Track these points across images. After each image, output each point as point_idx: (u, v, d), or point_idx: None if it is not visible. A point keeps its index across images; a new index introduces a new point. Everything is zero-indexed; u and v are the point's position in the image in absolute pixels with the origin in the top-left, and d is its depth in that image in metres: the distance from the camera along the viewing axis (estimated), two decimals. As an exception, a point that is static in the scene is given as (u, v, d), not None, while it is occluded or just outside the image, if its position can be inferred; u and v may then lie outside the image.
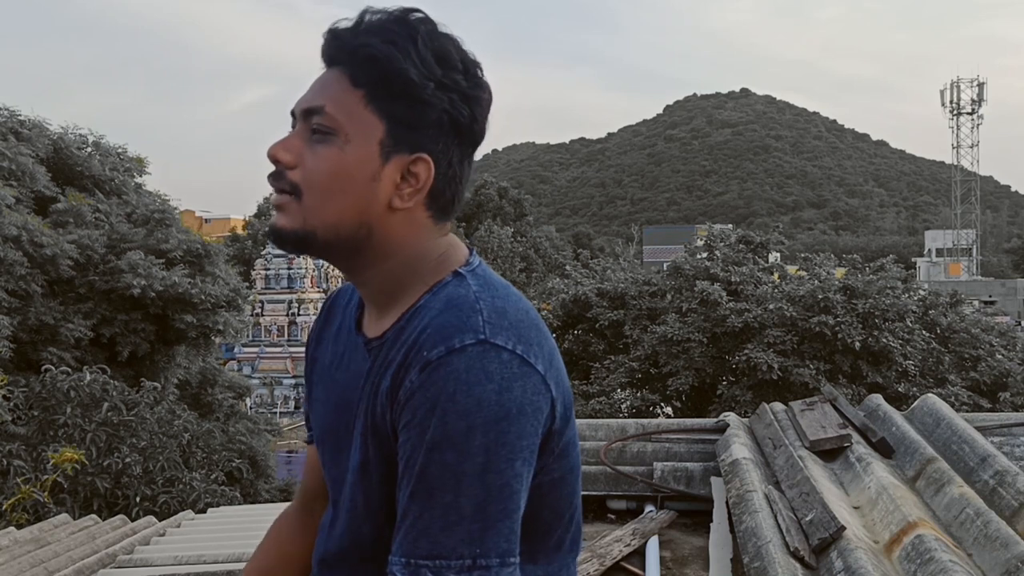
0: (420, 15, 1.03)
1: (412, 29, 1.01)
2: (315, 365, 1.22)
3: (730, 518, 2.82)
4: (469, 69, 1.04)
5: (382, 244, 1.05)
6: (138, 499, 8.60)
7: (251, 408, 23.40)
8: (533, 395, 0.96)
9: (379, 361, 1.05)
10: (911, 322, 14.68)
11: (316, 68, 1.09)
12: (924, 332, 14.88)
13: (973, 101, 69.52)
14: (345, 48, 1.03)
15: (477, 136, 1.07)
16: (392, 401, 1.00)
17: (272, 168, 1.05)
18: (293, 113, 1.06)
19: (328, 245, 1.04)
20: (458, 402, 0.92)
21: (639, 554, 2.96)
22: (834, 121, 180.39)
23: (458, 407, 0.92)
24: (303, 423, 1.30)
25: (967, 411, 10.88)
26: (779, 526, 2.41)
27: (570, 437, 1.06)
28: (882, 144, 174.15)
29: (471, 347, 0.94)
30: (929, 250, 68.35)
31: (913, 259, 59.30)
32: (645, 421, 4.06)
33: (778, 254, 18.88)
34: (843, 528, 2.25)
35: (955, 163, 70.20)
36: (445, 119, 1.02)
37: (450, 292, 1.02)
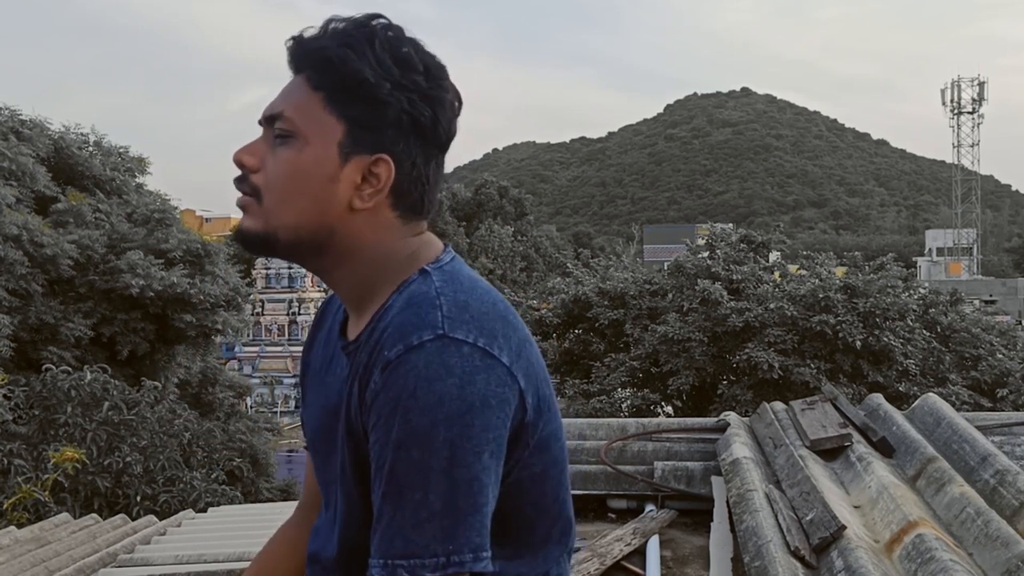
0: (383, 21, 1.04)
1: (371, 32, 1.03)
2: (308, 370, 1.22)
3: (731, 517, 2.82)
4: (431, 71, 1.04)
5: (345, 244, 1.05)
6: (139, 498, 8.60)
7: (251, 407, 23.41)
8: (497, 387, 0.96)
9: (354, 365, 1.05)
10: (912, 321, 14.67)
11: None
12: (925, 331, 14.88)
13: (974, 100, 69.40)
14: (305, 53, 1.04)
15: (442, 137, 1.07)
16: (361, 403, 1.00)
17: (238, 172, 1.06)
18: (260, 122, 1.07)
19: (291, 246, 1.06)
20: (419, 399, 0.92)
21: (640, 553, 2.96)
22: (835, 120, 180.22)
23: (419, 404, 0.92)
24: (303, 424, 1.31)
25: (968, 410, 10.87)
26: (780, 525, 2.41)
27: (550, 431, 1.05)
28: (883, 143, 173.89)
29: (429, 343, 0.95)
30: (930, 249, 68.29)
31: (914, 258, 59.25)
32: (645, 420, 4.06)
33: (779, 253, 18.87)
34: (843, 527, 2.25)
35: (956, 162, 70.12)
36: (405, 119, 1.03)
37: (412, 290, 1.03)
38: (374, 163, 1.03)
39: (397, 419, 0.93)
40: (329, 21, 1.05)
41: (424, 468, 0.92)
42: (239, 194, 1.07)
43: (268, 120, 1.05)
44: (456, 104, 1.07)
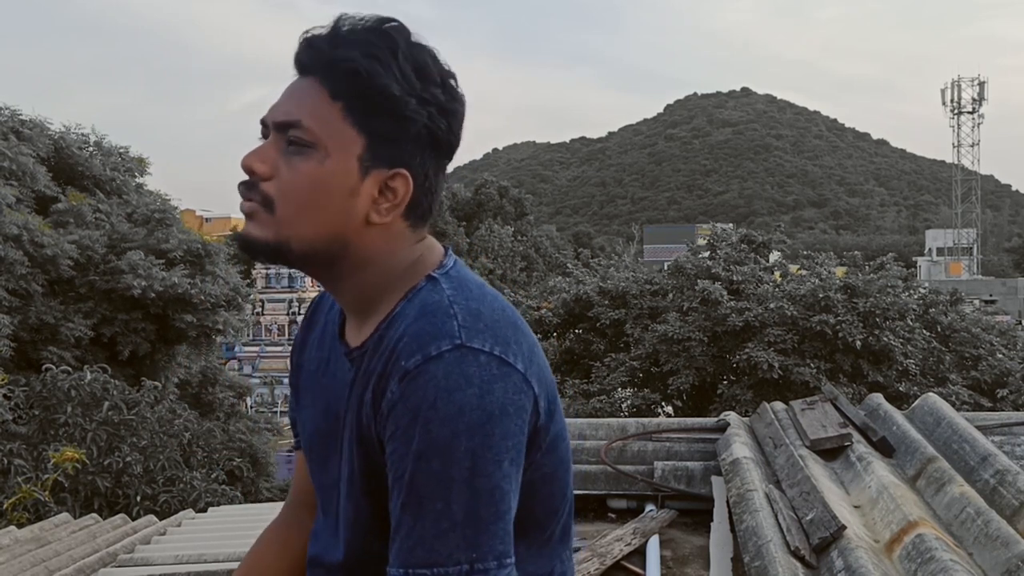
0: (396, 24, 1.02)
1: (392, 42, 1.00)
2: (300, 371, 1.21)
3: (731, 517, 2.82)
4: (446, 82, 1.03)
5: (358, 257, 1.04)
6: (139, 498, 8.60)
7: (251, 407, 23.40)
8: (515, 394, 0.96)
9: (361, 372, 1.04)
10: (912, 321, 14.67)
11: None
12: (925, 331, 14.88)
13: (974, 100, 69.35)
14: (323, 59, 1.01)
15: (453, 147, 1.06)
16: (376, 412, 1.00)
17: (244, 178, 1.03)
18: (264, 123, 1.04)
19: (304, 257, 1.04)
20: (439, 409, 0.92)
21: (640, 553, 2.96)
22: (835, 120, 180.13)
23: (440, 414, 0.92)
24: (294, 425, 1.29)
25: (968, 410, 10.86)
26: (780, 525, 2.41)
27: (557, 432, 1.06)
28: (883, 143, 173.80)
29: (448, 353, 0.94)
30: (930, 249, 68.26)
31: (914, 258, 59.27)
32: (646, 420, 4.06)
33: (779, 253, 18.87)
34: (843, 527, 2.25)
35: (956, 162, 70.08)
36: (424, 133, 1.02)
37: (424, 298, 1.02)
38: (392, 178, 1.02)
39: (417, 430, 0.93)
40: (339, 22, 1.02)
41: (445, 478, 0.92)
42: (243, 200, 1.04)
43: (280, 127, 1.02)
44: (465, 112, 1.07)
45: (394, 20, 1.03)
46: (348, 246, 1.03)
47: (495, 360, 0.96)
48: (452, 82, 1.04)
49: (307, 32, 1.04)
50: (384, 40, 1.00)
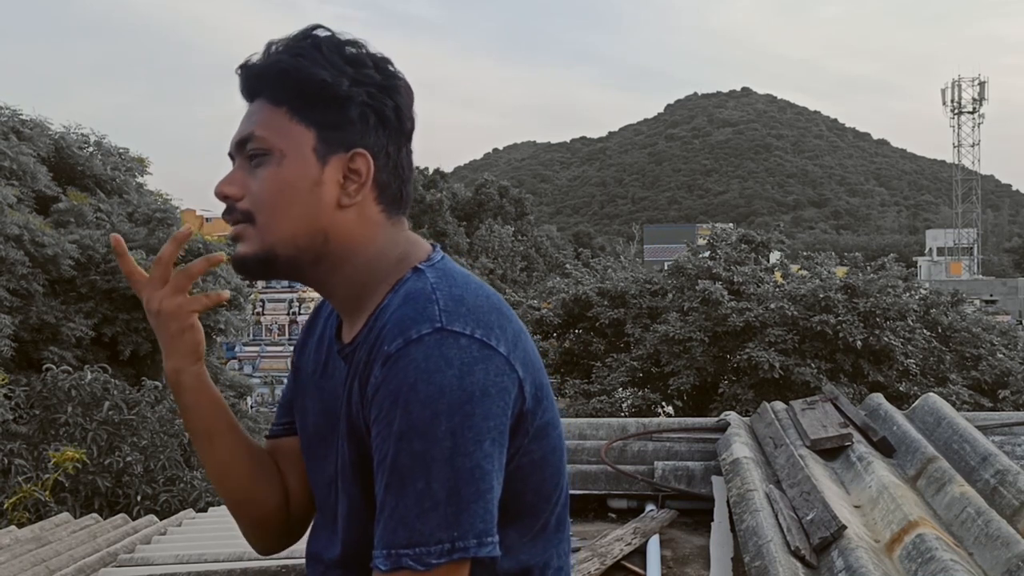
0: (319, 27, 1.08)
1: (315, 40, 1.06)
2: (299, 373, 1.24)
3: (731, 517, 2.82)
4: (379, 64, 1.08)
5: (340, 246, 1.08)
6: (139, 498, 8.60)
7: (252, 407, 23.39)
8: (496, 376, 0.97)
9: (352, 365, 1.07)
10: (912, 321, 14.67)
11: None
12: (925, 331, 14.88)
13: (974, 100, 69.24)
14: (257, 74, 1.07)
15: (406, 125, 1.10)
16: (363, 399, 1.02)
17: (224, 206, 1.09)
18: (230, 154, 1.10)
19: (290, 260, 1.08)
20: (419, 391, 0.94)
21: (640, 553, 2.96)
22: (835, 120, 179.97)
23: (420, 396, 0.94)
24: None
25: (968, 410, 10.86)
26: (780, 525, 2.42)
27: (547, 419, 1.07)
28: (883, 143, 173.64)
29: (428, 336, 0.96)
30: (930, 249, 68.16)
31: (914, 258, 59.20)
32: (646, 420, 4.06)
33: (780, 253, 18.87)
34: (844, 527, 2.25)
35: (956, 162, 69.96)
36: (369, 112, 1.06)
37: (408, 287, 1.04)
38: (351, 159, 1.06)
39: (398, 412, 0.94)
40: (270, 44, 1.08)
41: (426, 458, 0.93)
42: (230, 226, 1.09)
43: (239, 145, 1.08)
44: (411, 91, 1.11)
45: (320, 26, 1.08)
46: (328, 238, 1.07)
47: (476, 343, 0.97)
48: (386, 65, 1.09)
49: (243, 61, 1.10)
50: (307, 40, 1.06)
